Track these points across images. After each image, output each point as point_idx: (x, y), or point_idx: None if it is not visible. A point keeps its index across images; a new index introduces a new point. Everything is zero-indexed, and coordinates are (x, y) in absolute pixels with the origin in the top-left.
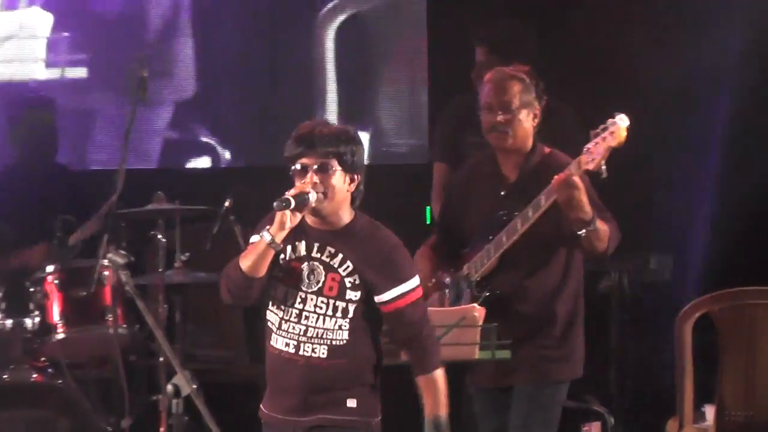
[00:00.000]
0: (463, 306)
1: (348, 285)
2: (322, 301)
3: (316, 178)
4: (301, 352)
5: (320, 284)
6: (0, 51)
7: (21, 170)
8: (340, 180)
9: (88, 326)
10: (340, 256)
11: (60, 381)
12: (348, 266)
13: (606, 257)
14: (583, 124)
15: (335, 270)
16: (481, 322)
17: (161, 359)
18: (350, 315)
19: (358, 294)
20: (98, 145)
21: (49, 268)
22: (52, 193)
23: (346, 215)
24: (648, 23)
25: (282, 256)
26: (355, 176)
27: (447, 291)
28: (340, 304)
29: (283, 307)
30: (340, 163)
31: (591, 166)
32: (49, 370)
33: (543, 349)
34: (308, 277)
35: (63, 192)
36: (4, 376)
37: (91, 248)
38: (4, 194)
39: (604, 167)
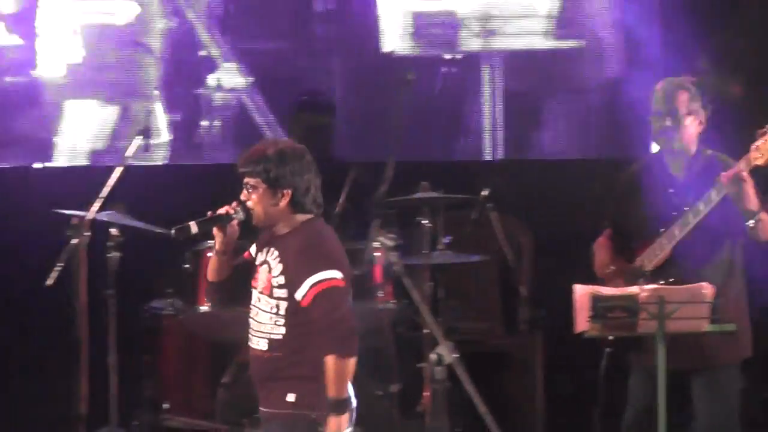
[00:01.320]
0: (694, 284)
1: (275, 284)
2: (264, 300)
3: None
4: (251, 344)
5: (264, 284)
6: (511, 27)
7: None
8: (266, 197)
9: (360, 301)
10: (278, 258)
11: None
12: (279, 267)
13: None
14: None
15: (271, 270)
16: (710, 299)
17: (426, 331)
18: (281, 311)
19: (285, 292)
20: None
21: None
22: (330, 184)
23: (291, 223)
24: None
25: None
26: (284, 192)
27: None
28: (273, 302)
29: (250, 307)
30: (264, 182)
31: (761, 162)
32: None
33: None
34: (260, 279)
35: (339, 182)
36: None
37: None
38: None
39: None
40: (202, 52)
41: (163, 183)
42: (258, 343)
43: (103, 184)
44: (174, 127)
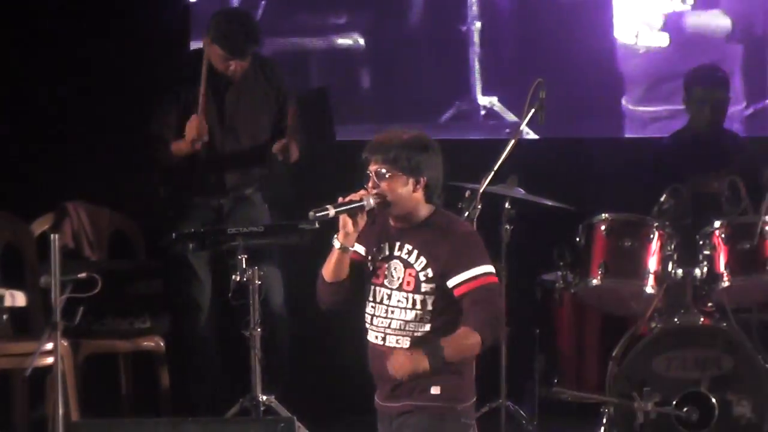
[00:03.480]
0: None
1: (422, 279)
2: (402, 296)
3: (379, 184)
4: (386, 344)
5: (400, 280)
6: None
7: (691, 135)
8: (400, 184)
9: (750, 275)
10: (416, 252)
11: (725, 324)
12: (422, 261)
13: None
14: None
15: (411, 266)
16: None
17: None
18: (429, 307)
19: (432, 286)
20: None
21: (717, 223)
22: (719, 157)
23: (422, 213)
24: None
25: (371, 258)
26: (420, 179)
27: None
28: (418, 297)
29: (373, 305)
30: (399, 169)
31: None
32: (716, 314)
33: None
34: (391, 275)
35: (729, 156)
36: (675, 320)
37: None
38: (675, 157)
39: None
40: None
41: (554, 155)
42: (397, 342)
43: (497, 156)
44: None
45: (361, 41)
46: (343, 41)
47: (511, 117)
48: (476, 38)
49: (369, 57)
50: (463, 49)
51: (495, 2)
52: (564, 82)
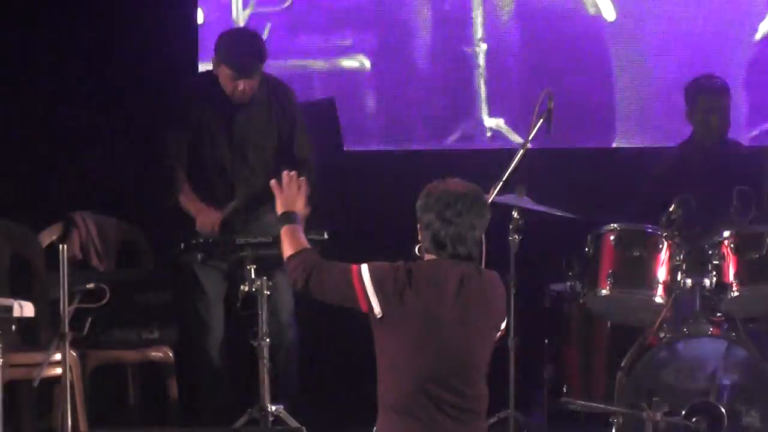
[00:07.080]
0: None
1: None
2: None
3: None
4: None
5: None
6: None
7: (697, 146)
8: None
9: (759, 285)
10: None
11: (734, 334)
12: None
13: None
14: None
15: None
16: None
17: None
18: None
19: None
20: None
21: (726, 233)
22: (726, 167)
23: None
24: None
25: None
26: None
27: None
28: None
29: None
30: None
31: None
32: (725, 324)
33: None
34: None
35: (735, 166)
36: (684, 330)
37: None
38: (683, 167)
39: None
40: None
41: (562, 165)
42: None
43: (504, 166)
44: None
45: (367, 63)
46: (349, 63)
47: (517, 139)
48: (482, 60)
49: (374, 78)
50: (469, 70)
51: (501, 24)
52: (568, 103)
